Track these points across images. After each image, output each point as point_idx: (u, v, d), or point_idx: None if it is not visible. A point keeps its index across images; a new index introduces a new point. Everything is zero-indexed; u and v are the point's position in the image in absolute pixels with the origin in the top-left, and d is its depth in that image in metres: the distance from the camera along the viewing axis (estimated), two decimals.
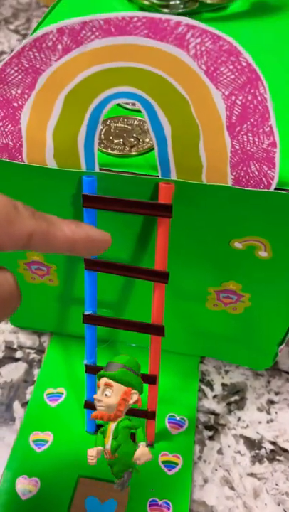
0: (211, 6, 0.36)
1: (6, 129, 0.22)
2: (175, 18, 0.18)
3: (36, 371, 0.35)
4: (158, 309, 0.25)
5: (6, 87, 0.20)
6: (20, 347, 0.36)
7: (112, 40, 0.18)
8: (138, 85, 0.19)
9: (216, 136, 0.20)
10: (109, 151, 0.23)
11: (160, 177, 0.22)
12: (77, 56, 0.19)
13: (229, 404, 0.33)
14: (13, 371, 0.35)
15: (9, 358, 0.35)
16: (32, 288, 0.32)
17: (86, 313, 0.26)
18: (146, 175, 0.22)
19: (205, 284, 0.28)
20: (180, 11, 0.35)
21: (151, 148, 0.24)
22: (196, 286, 0.28)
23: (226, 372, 0.35)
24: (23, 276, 0.31)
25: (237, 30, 0.34)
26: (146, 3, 0.35)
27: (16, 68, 0.20)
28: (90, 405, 0.29)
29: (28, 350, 0.36)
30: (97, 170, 0.22)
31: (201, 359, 0.35)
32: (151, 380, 0.27)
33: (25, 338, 0.37)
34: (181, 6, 0.35)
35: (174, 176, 0.22)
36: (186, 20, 0.18)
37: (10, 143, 0.22)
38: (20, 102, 0.21)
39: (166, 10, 0.35)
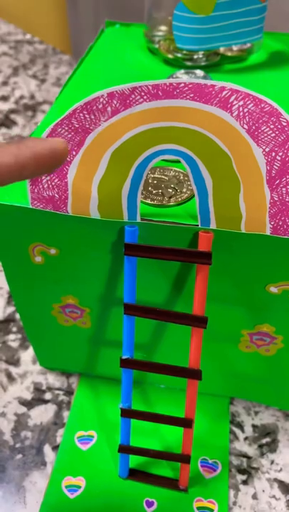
0: (232, 59, 0.38)
1: (53, 183, 0.23)
2: (219, 84, 0.19)
3: (66, 413, 0.35)
4: (195, 353, 0.26)
5: None
6: (49, 388, 0.36)
7: (159, 103, 0.20)
8: (182, 143, 0.21)
9: (255, 189, 0.21)
10: (148, 201, 0.24)
11: (200, 226, 0.23)
12: (125, 117, 0.20)
13: (261, 446, 0.33)
14: (43, 413, 0.35)
15: (38, 400, 0.36)
16: (64, 330, 0.32)
17: (124, 357, 0.26)
18: (186, 224, 0.23)
19: (239, 326, 0.28)
20: (203, 63, 0.37)
21: (189, 198, 0.25)
22: (230, 328, 0.29)
23: (256, 413, 0.35)
24: (56, 319, 0.31)
25: (256, 80, 0.36)
26: (170, 56, 0.37)
27: (66, 128, 0.21)
28: (124, 449, 0.29)
29: (57, 392, 0.36)
30: (138, 220, 0.23)
31: (230, 400, 0.35)
32: (187, 423, 0.28)
33: (53, 380, 0.37)
34: (204, 59, 0.37)
35: (213, 225, 0.23)
36: (230, 85, 0.19)
37: (56, 195, 0.23)
38: (68, 159, 0.22)
39: (189, 63, 0.37)
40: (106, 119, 0.21)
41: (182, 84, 0.19)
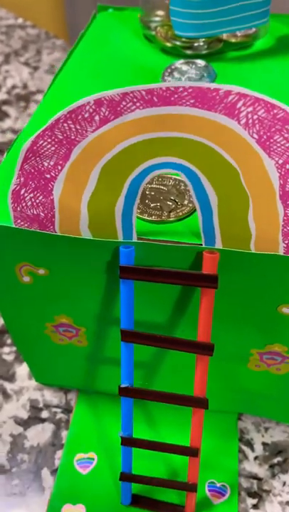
0: (236, 45, 0.35)
1: (38, 200, 0.20)
2: (225, 87, 0.16)
3: (64, 433, 0.33)
4: (201, 382, 0.23)
5: (38, 158, 0.19)
6: (46, 406, 0.34)
7: (154, 111, 0.17)
8: (182, 155, 0.18)
9: (267, 205, 0.19)
10: (146, 216, 0.22)
11: (204, 245, 0.20)
12: (115, 127, 0.18)
13: (272, 466, 0.31)
14: (40, 434, 0.33)
15: (35, 419, 0.34)
16: (59, 348, 0.30)
17: (122, 386, 0.24)
18: (188, 243, 0.21)
19: (248, 346, 0.26)
20: (204, 52, 0.33)
21: (191, 212, 0.22)
22: (238, 348, 0.26)
23: (266, 429, 0.33)
24: (49, 338, 0.29)
25: (263, 68, 0.33)
26: (169, 44, 0.34)
27: (49, 140, 0.18)
28: (126, 477, 0.27)
29: (54, 410, 0.34)
30: (135, 239, 0.21)
31: (238, 415, 0.33)
32: (192, 452, 0.25)
33: (50, 396, 0.35)
34: (205, 46, 0.34)
35: (219, 245, 0.20)
36: (237, 88, 0.16)
37: (41, 214, 0.21)
38: (53, 174, 0.19)
39: (189, 51, 0.34)
40: (94, 130, 0.18)
41: (181, 89, 0.16)
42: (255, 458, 0.31)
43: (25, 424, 0.33)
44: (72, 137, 0.18)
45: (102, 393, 0.34)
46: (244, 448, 0.32)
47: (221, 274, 0.21)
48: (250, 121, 0.17)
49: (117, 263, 0.22)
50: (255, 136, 0.17)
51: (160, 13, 0.36)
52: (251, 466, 0.31)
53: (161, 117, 0.17)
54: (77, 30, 0.81)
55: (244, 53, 0.34)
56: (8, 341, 0.38)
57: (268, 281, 0.21)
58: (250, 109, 0.16)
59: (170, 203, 0.22)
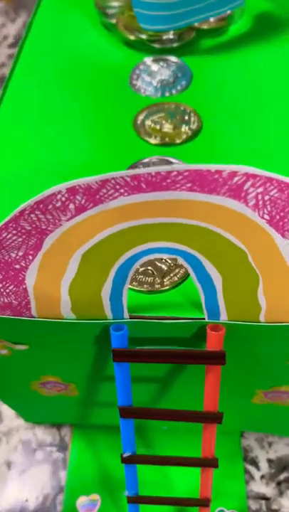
0: (210, 32, 0.30)
1: (8, 290, 0.17)
2: (228, 168, 0.13)
3: (62, 473, 0.31)
4: (209, 445, 0.22)
5: (3, 250, 0.16)
6: (40, 445, 0.32)
7: (143, 197, 0.14)
8: (179, 240, 0.15)
9: (279, 280, 0.16)
10: (136, 286, 0.19)
11: (207, 319, 0.18)
12: (95, 214, 0.14)
13: (279, 483, 0.31)
14: (37, 477, 0.31)
15: (30, 462, 0.32)
16: (48, 399, 0.28)
17: (125, 455, 0.22)
18: (188, 318, 0.18)
19: (253, 388, 0.24)
20: (175, 45, 0.29)
21: (186, 275, 0.19)
22: (243, 388, 0.25)
23: (270, 444, 0.32)
24: (36, 392, 0.27)
25: (243, 59, 0.29)
26: (132, 37, 0.29)
27: (14, 232, 0.15)
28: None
29: (49, 449, 0.32)
30: (126, 317, 0.18)
31: (241, 433, 0.32)
32: (203, 503, 0.24)
33: (43, 434, 0.33)
34: (176, 38, 0.29)
35: (224, 317, 0.18)
36: (243, 168, 0.13)
37: (13, 302, 0.17)
38: (23, 264, 0.16)
39: (157, 45, 0.29)
40: (69, 218, 0.14)
41: (174, 173, 0.13)
42: (262, 477, 0.31)
43: (20, 468, 0.32)
44: (43, 227, 0.15)
45: (97, 426, 0.32)
46: (249, 468, 0.31)
47: (227, 344, 0.19)
48: (261, 202, 0.14)
49: (107, 336, 0.19)
50: (266, 217, 0.14)
51: None
52: (258, 487, 0.31)
53: (151, 203, 0.14)
54: None
55: (220, 40, 0.30)
56: None
57: (277, 344, 0.19)
58: (260, 189, 0.13)
59: (162, 266, 0.19)
